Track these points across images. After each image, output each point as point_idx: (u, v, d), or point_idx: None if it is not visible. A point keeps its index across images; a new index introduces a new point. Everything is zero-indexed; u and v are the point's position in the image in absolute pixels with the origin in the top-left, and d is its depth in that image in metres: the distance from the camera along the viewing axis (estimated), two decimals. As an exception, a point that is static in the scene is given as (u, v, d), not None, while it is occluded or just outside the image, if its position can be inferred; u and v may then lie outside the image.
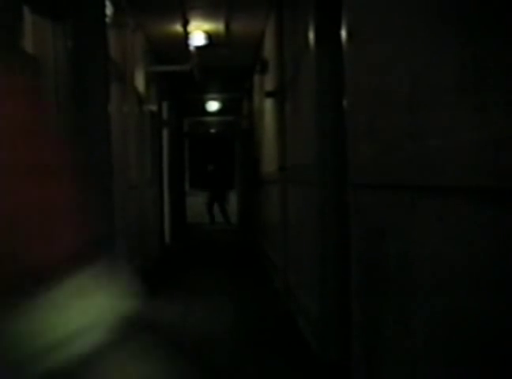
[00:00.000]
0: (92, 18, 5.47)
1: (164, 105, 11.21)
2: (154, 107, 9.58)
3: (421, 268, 2.05)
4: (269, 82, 7.78)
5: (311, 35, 4.27)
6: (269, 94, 7.34)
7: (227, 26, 8.11)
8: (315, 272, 4.30)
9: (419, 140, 2.03)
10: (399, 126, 2.27)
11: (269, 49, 7.93)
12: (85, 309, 1.80)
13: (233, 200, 16.30)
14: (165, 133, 11.37)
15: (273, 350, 4.60)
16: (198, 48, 8.63)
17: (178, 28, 8.11)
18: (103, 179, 5.53)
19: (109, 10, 6.16)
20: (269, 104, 7.91)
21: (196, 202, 16.56)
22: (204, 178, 16.37)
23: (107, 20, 5.96)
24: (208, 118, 16.90)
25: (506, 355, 1.44)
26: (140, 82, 8.06)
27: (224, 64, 10.48)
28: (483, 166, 1.49)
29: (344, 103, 3.32)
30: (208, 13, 7.65)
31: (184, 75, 10.10)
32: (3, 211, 1.59)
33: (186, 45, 8.64)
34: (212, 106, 15.06)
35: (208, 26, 8.20)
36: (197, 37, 8.38)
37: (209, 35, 8.39)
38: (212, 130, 18.55)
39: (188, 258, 10.30)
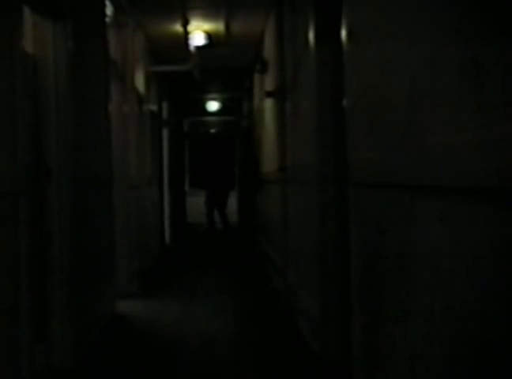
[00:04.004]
0: (92, 18, 5.47)
1: (164, 105, 11.21)
2: (154, 107, 9.58)
3: (421, 268, 2.05)
4: (269, 82, 7.78)
5: (311, 35, 4.27)
6: (269, 94, 7.34)
7: (227, 26, 8.11)
8: (315, 271, 4.30)
9: (419, 140, 2.03)
10: (399, 126, 2.27)
11: (268, 49, 7.93)
12: None
13: (233, 199, 16.15)
14: (165, 133, 11.36)
15: (273, 351, 4.60)
16: (198, 48, 8.63)
17: (178, 28, 8.11)
18: (104, 179, 5.53)
19: (109, 10, 6.16)
20: (269, 104, 7.91)
21: (196, 202, 16.52)
22: (203, 177, 15.09)
23: (107, 20, 5.96)
24: (209, 118, 16.90)
25: (507, 355, 1.44)
26: (140, 82, 8.06)
27: (224, 64, 10.47)
28: (483, 166, 1.49)
29: (344, 102, 3.32)
30: (208, 13, 7.65)
31: (184, 75, 10.10)
32: None
33: (186, 45, 8.64)
34: (212, 106, 15.06)
35: (208, 26, 8.20)
36: (197, 37, 8.38)
37: (209, 35, 8.38)
38: (212, 130, 18.55)
39: (188, 258, 10.30)
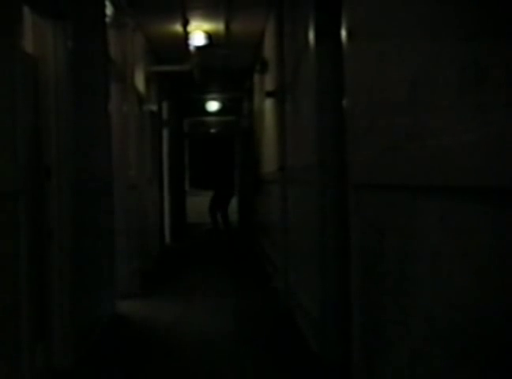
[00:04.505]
0: (92, 18, 5.47)
1: (164, 105, 11.20)
2: (154, 107, 9.58)
3: (421, 268, 2.05)
4: (269, 82, 7.78)
5: (311, 35, 4.27)
6: (269, 94, 7.34)
7: (227, 26, 8.11)
8: (315, 271, 4.30)
9: (419, 140, 2.03)
10: (399, 126, 2.27)
11: (268, 49, 7.93)
12: None
13: (233, 199, 16.11)
14: (165, 133, 11.36)
15: (273, 350, 4.60)
16: (198, 48, 8.63)
17: (178, 28, 8.11)
18: (103, 179, 5.53)
19: (109, 10, 6.16)
20: (269, 104, 7.91)
21: (196, 202, 16.50)
22: (205, 177, 15.01)
23: (107, 20, 5.96)
24: (209, 118, 16.89)
25: (506, 355, 1.44)
26: (140, 82, 8.06)
27: (224, 64, 10.48)
28: (484, 167, 1.49)
29: (344, 103, 3.32)
30: (208, 13, 7.65)
31: (184, 75, 10.10)
32: None
33: (186, 45, 8.64)
34: (212, 106, 15.06)
35: (208, 26, 8.20)
36: (197, 37, 8.38)
37: (209, 35, 8.39)
38: (213, 130, 18.54)
39: (188, 258, 10.29)
